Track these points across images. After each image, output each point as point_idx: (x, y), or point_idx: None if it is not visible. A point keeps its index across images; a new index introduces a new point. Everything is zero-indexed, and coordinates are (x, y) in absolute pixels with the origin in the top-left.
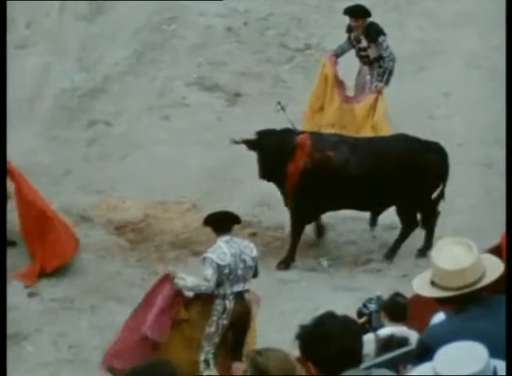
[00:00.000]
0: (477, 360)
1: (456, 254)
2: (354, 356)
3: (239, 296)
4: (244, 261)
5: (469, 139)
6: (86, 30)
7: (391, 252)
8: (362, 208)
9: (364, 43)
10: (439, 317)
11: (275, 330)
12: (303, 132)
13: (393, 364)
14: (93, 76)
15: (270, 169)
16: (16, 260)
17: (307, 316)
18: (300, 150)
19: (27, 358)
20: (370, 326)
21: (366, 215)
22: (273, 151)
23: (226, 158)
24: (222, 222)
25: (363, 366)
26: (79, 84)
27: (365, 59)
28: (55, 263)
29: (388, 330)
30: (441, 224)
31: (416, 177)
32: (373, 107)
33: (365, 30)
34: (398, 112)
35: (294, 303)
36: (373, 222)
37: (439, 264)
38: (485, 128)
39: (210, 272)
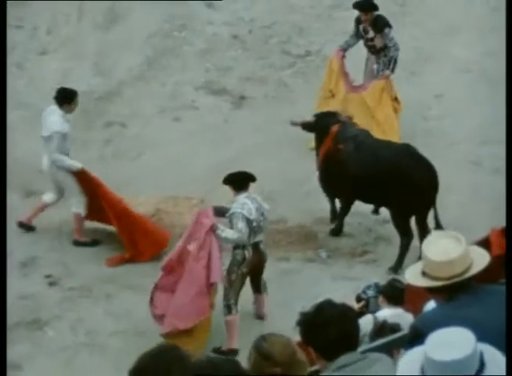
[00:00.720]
0: (466, 345)
1: (446, 247)
2: (351, 341)
3: (256, 246)
4: (263, 214)
5: (459, 138)
6: (102, 38)
7: (397, 266)
8: (365, 201)
9: (371, 34)
10: (431, 305)
11: (278, 317)
12: (339, 122)
13: (387, 349)
14: (109, 80)
15: None
16: (36, 250)
17: (307, 304)
18: (328, 137)
19: (47, 342)
20: (368, 310)
21: (362, 209)
22: (322, 134)
23: (232, 157)
24: (241, 181)
25: (360, 350)
26: (96, 88)
27: (372, 49)
28: (148, 254)
29: (385, 312)
30: (432, 218)
31: (402, 188)
32: (384, 91)
33: (372, 22)
34: None
35: (295, 292)
36: (376, 210)
37: (430, 256)
38: (475, 129)
39: (242, 225)
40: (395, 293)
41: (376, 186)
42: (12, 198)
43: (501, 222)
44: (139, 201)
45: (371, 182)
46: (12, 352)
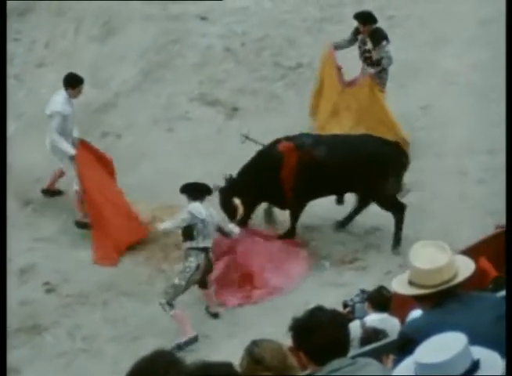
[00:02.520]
0: (453, 347)
1: (432, 255)
2: (341, 346)
3: (206, 254)
4: (212, 222)
5: (445, 149)
6: (98, 51)
7: (396, 242)
8: (337, 193)
9: (369, 45)
10: (416, 313)
11: (269, 323)
12: (279, 140)
13: (377, 354)
14: (104, 92)
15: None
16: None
17: (298, 310)
18: (287, 155)
19: (46, 347)
20: (353, 315)
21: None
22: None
23: (224, 166)
24: (198, 192)
25: (349, 355)
26: (92, 99)
27: (368, 61)
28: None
29: (372, 317)
30: (420, 227)
31: (373, 170)
32: (374, 87)
33: (371, 34)
34: None
35: (287, 298)
36: (340, 200)
37: (416, 264)
38: (461, 139)
39: (182, 217)
40: (382, 300)
41: (356, 176)
42: (10, 207)
43: (486, 229)
44: (135, 209)
45: (352, 173)
46: (12, 357)
